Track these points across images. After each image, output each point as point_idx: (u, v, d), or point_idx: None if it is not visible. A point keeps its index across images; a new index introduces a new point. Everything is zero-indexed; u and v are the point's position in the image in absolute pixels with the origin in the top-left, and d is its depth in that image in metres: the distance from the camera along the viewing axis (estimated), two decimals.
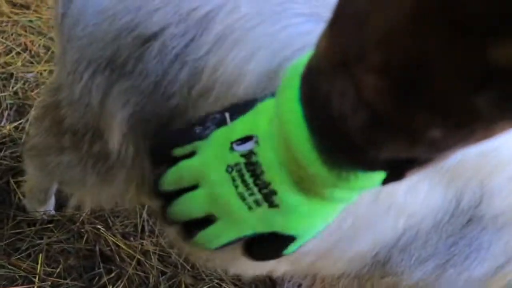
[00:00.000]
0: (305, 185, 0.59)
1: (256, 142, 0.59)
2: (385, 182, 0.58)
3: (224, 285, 1.55)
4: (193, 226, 0.67)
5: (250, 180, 0.60)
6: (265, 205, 0.62)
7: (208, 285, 1.55)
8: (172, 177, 0.67)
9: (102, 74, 0.95)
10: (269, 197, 0.61)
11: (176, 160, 0.67)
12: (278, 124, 0.56)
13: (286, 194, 0.60)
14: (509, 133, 1.02)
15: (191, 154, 0.67)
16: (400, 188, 0.94)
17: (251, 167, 0.60)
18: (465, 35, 0.32)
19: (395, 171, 0.55)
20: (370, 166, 0.53)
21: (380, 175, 0.57)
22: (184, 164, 0.66)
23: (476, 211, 1.05)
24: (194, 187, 0.66)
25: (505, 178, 1.02)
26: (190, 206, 0.66)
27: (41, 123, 1.22)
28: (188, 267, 1.56)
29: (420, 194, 0.97)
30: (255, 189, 0.61)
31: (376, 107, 0.42)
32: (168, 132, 0.87)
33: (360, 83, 0.41)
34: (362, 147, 0.49)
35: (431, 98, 0.39)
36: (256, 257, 0.68)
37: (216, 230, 0.66)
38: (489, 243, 1.11)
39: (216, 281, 1.58)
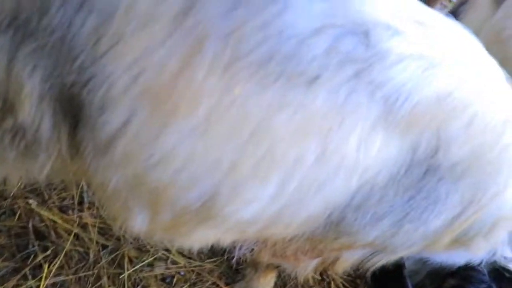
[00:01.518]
0: None
1: None
2: None
3: (170, 256, 1.46)
4: None
5: None
6: None
7: (154, 257, 1.45)
8: None
9: (5, 34, 0.82)
10: None
11: None
12: None
13: None
14: (461, 78, 0.97)
15: None
16: (349, 144, 0.86)
17: None
18: None
19: None
20: None
21: None
22: None
23: (432, 161, 0.98)
24: None
25: (462, 125, 0.95)
26: None
27: None
28: (131, 240, 1.45)
29: (374, 147, 0.90)
30: None
31: None
32: None
33: None
34: None
35: None
36: None
37: None
38: (446, 194, 1.05)
39: (162, 251, 1.48)
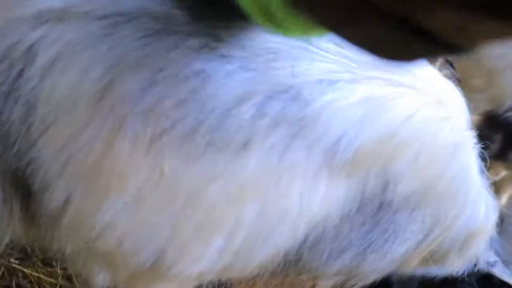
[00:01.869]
0: None
1: None
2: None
3: None
4: None
5: None
6: None
7: None
8: None
9: None
10: None
11: None
12: None
13: None
14: (404, 113, 0.96)
15: None
16: (290, 198, 0.87)
17: None
18: None
19: None
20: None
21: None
22: None
23: (383, 197, 0.99)
24: None
25: (407, 161, 0.95)
26: None
27: None
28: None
29: (318, 195, 0.90)
30: None
31: None
32: None
33: None
34: None
35: None
36: None
37: None
38: (405, 225, 1.06)
39: None
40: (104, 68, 0.73)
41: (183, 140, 0.77)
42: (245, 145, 0.80)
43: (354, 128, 0.89)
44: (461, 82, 2.51)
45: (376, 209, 1.00)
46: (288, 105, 0.82)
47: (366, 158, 0.92)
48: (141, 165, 0.77)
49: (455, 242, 1.18)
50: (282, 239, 0.92)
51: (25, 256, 1.49)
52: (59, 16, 0.73)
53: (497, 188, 2.65)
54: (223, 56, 0.78)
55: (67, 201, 0.82)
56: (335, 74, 0.88)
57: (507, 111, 2.02)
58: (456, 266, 1.28)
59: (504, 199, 2.60)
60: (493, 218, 1.25)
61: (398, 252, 1.10)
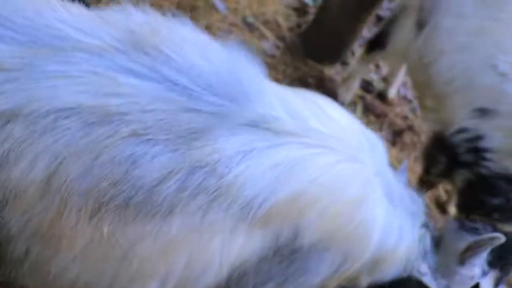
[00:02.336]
0: None
1: None
2: None
3: None
4: None
5: None
6: None
7: None
8: None
9: None
10: None
11: None
12: None
13: None
14: (315, 174, 1.15)
15: None
16: (211, 251, 1.06)
17: None
18: None
19: None
20: None
21: None
22: None
23: (295, 244, 1.18)
24: None
25: (315, 215, 1.14)
26: None
27: None
28: None
29: (236, 246, 1.09)
30: None
31: None
32: None
33: None
34: None
35: None
36: None
37: None
38: (316, 263, 1.26)
39: None
40: (50, 157, 0.91)
41: (118, 210, 0.96)
42: (170, 212, 0.99)
43: (266, 190, 1.08)
44: (418, 99, 2.65)
45: (290, 252, 1.20)
46: (206, 178, 1.01)
47: (278, 214, 1.11)
48: (85, 230, 0.96)
49: (364, 266, 1.38)
50: (209, 281, 1.12)
51: None
52: (8, 118, 0.90)
53: (447, 201, 2.84)
54: (149, 140, 0.96)
55: (26, 252, 1.01)
56: (251, 144, 1.06)
57: (452, 134, 2.12)
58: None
59: (452, 210, 2.79)
60: (409, 239, 1.45)
61: (314, 283, 1.31)
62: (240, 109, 1.06)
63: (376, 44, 2.60)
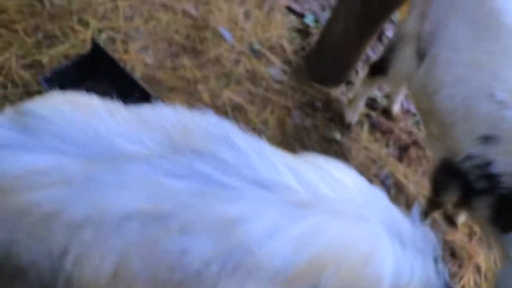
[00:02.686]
0: None
1: None
2: None
3: None
4: None
5: None
6: None
7: None
8: None
9: None
10: None
11: None
12: None
13: None
14: (327, 240, 1.29)
15: None
16: None
17: None
18: None
19: None
20: None
21: None
22: None
23: None
24: None
25: (329, 274, 1.29)
26: None
27: None
28: None
29: None
30: None
31: None
32: None
33: None
34: None
35: None
36: None
37: None
38: None
39: None
40: (115, 255, 1.11)
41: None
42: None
43: (290, 258, 1.24)
44: (424, 127, 2.67)
45: None
46: (242, 257, 1.20)
47: (300, 276, 1.27)
48: None
49: None
50: None
51: None
52: (80, 226, 1.10)
53: (454, 213, 2.92)
54: (193, 232, 1.16)
55: None
56: (277, 223, 1.23)
57: (462, 161, 2.13)
58: None
59: (460, 221, 2.90)
60: (421, 276, 1.60)
61: None
62: (265, 191, 1.23)
63: (378, 70, 2.67)
